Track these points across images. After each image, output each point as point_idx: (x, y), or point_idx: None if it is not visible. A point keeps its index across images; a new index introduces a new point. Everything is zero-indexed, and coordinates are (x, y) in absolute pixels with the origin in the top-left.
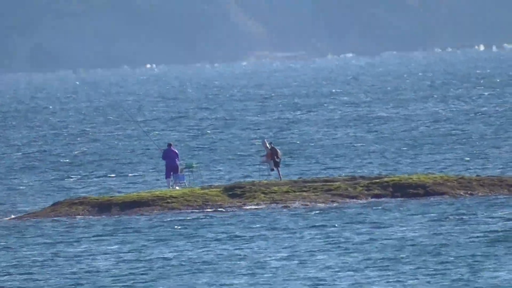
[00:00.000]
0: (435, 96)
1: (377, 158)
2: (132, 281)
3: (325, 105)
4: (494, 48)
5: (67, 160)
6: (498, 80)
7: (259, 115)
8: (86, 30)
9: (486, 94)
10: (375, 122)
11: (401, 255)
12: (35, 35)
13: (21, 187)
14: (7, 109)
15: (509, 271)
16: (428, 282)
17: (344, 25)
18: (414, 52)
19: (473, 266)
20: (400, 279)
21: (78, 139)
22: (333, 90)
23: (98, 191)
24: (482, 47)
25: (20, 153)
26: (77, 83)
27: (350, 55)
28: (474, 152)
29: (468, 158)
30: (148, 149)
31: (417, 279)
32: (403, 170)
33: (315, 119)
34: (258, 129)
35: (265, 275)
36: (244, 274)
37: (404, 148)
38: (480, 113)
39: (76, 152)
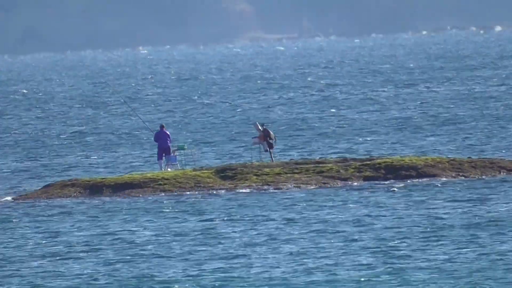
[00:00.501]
0: (425, 78)
1: (369, 140)
2: (124, 263)
3: (312, 87)
4: (482, 31)
5: (58, 142)
6: (488, 62)
7: (250, 97)
8: (74, 11)
9: (476, 76)
10: (366, 104)
11: (393, 237)
12: (21, 16)
13: (11, 170)
14: None
15: (498, 251)
16: (419, 265)
17: (335, 7)
18: (402, 34)
19: (466, 247)
20: (391, 262)
21: (68, 121)
22: (320, 73)
23: (89, 173)
24: (473, 29)
25: (9, 136)
26: (64, 65)
27: (341, 37)
28: (466, 134)
29: (460, 140)
30: (139, 130)
31: (408, 260)
32: (395, 151)
33: (304, 101)
34: (249, 110)
35: (257, 256)
36: (235, 256)
37: (395, 130)
38: (470, 95)
39: (67, 135)
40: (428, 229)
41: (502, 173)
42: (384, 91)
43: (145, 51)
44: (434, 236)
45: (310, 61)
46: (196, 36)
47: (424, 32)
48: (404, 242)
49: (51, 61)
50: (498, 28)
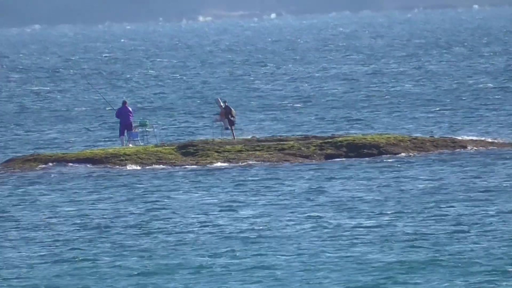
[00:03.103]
0: (390, 56)
1: (330, 118)
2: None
3: (274, 63)
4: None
5: (16, 117)
6: (452, 41)
7: (210, 73)
8: None
9: (440, 54)
10: (329, 81)
11: (353, 214)
12: None
13: None
14: None
15: (458, 223)
16: (374, 238)
17: None
18: (363, 11)
19: (424, 222)
20: (348, 238)
21: (28, 96)
22: (278, 50)
23: (50, 149)
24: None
25: None
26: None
27: (304, 14)
28: (428, 113)
29: (422, 119)
30: (100, 107)
31: (367, 236)
32: (357, 130)
33: (265, 77)
34: (210, 86)
35: (213, 228)
36: (193, 225)
37: (357, 108)
38: (432, 73)
39: (27, 109)
40: (384, 205)
41: (460, 149)
42: (346, 67)
43: (108, 28)
44: (391, 212)
45: (268, 38)
46: (157, 12)
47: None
48: (362, 218)
49: (12, 35)
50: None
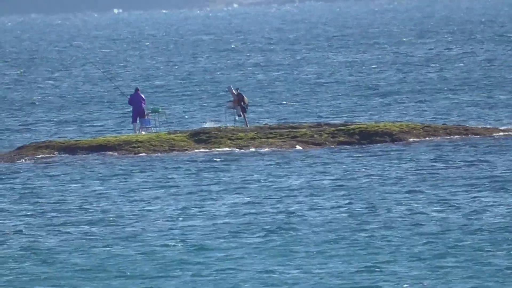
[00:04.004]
0: (395, 43)
1: (343, 105)
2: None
3: (287, 50)
4: None
5: (28, 104)
6: (454, 28)
7: (220, 61)
8: None
9: (451, 41)
10: (340, 69)
11: (366, 200)
12: None
13: None
14: None
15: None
16: (391, 224)
17: None
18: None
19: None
20: (360, 225)
21: (40, 84)
22: (292, 36)
23: (62, 136)
24: None
25: None
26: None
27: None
28: (441, 100)
29: (435, 107)
30: (113, 94)
31: (382, 223)
32: (370, 117)
33: (277, 65)
34: (223, 74)
35: (225, 215)
36: (209, 212)
37: (370, 96)
38: (444, 61)
39: (38, 97)
40: (393, 190)
41: (473, 137)
42: (357, 55)
43: (116, 12)
44: (399, 198)
45: (281, 25)
46: (169, 0)
47: None
48: (377, 205)
49: (22, 23)
50: None
